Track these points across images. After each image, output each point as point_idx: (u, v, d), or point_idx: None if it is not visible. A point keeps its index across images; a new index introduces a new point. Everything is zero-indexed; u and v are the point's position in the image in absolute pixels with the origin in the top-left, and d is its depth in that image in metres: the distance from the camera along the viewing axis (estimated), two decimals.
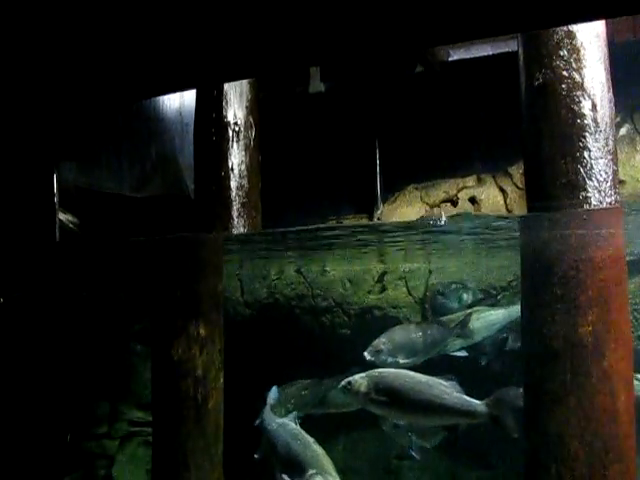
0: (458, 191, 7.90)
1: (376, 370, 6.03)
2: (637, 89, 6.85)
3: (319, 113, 8.03)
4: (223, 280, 6.29)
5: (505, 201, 7.71)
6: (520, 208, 7.56)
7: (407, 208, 8.02)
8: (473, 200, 7.82)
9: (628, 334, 4.91)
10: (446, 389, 5.62)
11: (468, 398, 5.64)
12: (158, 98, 7.31)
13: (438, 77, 7.69)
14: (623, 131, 7.31)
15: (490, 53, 7.39)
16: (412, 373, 5.88)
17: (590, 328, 4.72)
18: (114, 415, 8.13)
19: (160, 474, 6.11)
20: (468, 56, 7.57)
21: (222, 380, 6.09)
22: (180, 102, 7.49)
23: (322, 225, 7.43)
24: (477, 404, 5.57)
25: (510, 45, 6.99)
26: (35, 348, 7.56)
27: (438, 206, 7.95)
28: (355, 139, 8.10)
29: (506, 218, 6.53)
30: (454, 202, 7.90)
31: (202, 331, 5.92)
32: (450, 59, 7.69)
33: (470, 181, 7.90)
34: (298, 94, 7.92)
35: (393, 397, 5.76)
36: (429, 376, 5.77)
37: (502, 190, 7.75)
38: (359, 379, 5.88)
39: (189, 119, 7.17)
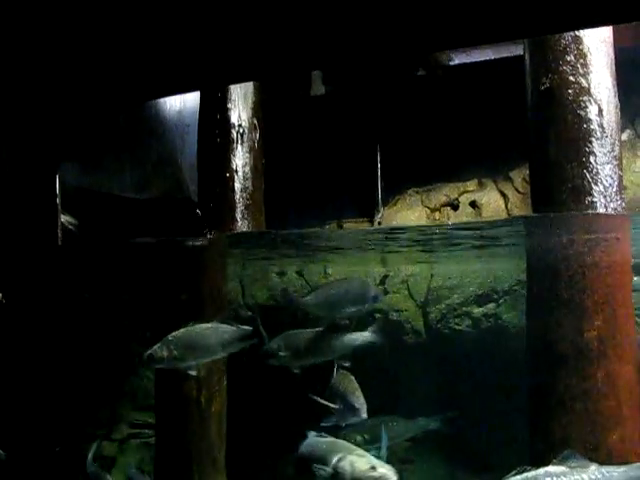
0: (459, 195, 7.91)
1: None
2: (638, 95, 6.86)
3: (321, 116, 8.02)
4: (226, 282, 6.28)
5: (506, 205, 7.72)
6: (521, 212, 7.57)
7: (408, 212, 8.02)
8: (474, 204, 7.83)
9: (634, 338, 4.92)
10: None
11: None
12: (159, 100, 7.29)
13: (440, 81, 7.69)
14: (624, 136, 7.33)
15: (492, 57, 7.39)
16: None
17: (596, 332, 4.74)
18: (114, 417, 8.11)
19: (162, 477, 6.09)
20: (470, 60, 7.57)
21: (225, 383, 6.07)
22: (181, 103, 7.47)
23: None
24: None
25: (512, 50, 6.99)
26: (36, 349, 7.54)
27: (439, 210, 7.95)
28: (356, 142, 8.09)
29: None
30: (455, 206, 7.90)
31: None
32: (452, 63, 7.69)
33: (471, 185, 7.91)
34: (300, 97, 7.92)
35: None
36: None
37: (503, 194, 7.77)
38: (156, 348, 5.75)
39: (190, 120, 7.16)
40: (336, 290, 6.20)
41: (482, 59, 7.44)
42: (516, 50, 6.80)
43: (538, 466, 4.66)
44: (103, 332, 7.96)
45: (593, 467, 4.16)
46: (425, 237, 6.52)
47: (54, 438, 7.48)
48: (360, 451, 4.88)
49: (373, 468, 4.58)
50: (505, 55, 7.16)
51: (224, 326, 5.52)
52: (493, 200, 7.76)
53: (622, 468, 4.19)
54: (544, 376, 4.91)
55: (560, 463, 4.18)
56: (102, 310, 8.00)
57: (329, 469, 4.74)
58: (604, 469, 4.16)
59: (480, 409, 7.24)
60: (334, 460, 4.77)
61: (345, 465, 4.73)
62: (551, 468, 4.21)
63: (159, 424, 6.24)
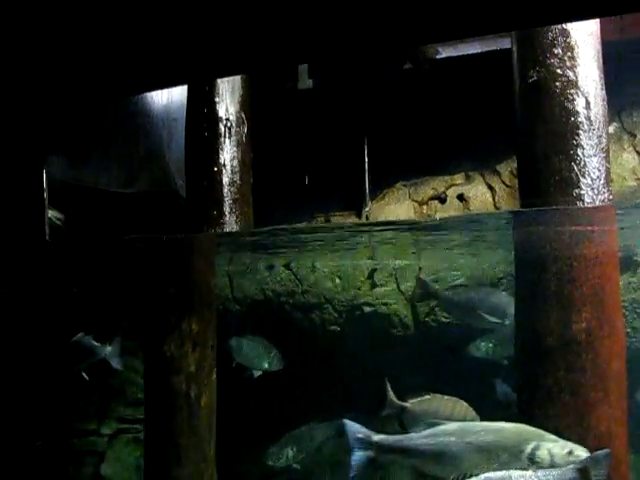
0: (446, 188, 7.92)
1: None
2: (624, 88, 6.89)
3: (308, 110, 8.01)
4: (215, 276, 6.27)
5: (493, 199, 7.73)
6: (508, 206, 7.59)
7: (395, 205, 8.02)
8: (461, 197, 7.84)
9: (621, 331, 4.94)
10: None
11: None
12: (146, 94, 7.27)
13: (427, 74, 7.69)
14: (610, 129, 7.36)
15: (479, 51, 7.40)
16: None
17: (584, 325, 4.75)
18: (103, 412, 8.07)
19: (152, 471, 6.07)
20: (457, 54, 7.57)
21: (215, 377, 6.06)
22: (168, 98, 7.44)
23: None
24: None
25: (499, 43, 7.00)
26: (24, 343, 7.51)
27: (426, 203, 7.96)
28: (344, 136, 8.08)
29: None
30: (442, 199, 7.91)
31: (195, 327, 5.89)
32: (439, 57, 7.69)
33: (458, 179, 7.92)
34: (287, 90, 7.90)
35: None
36: None
37: (490, 188, 7.78)
38: None
39: (177, 115, 7.14)
40: (476, 296, 6.12)
41: (469, 52, 7.45)
42: (503, 43, 6.82)
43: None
44: (91, 327, 7.93)
45: (530, 472, 4.21)
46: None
47: (39, 432, 7.47)
48: (550, 435, 4.54)
49: (571, 452, 4.37)
50: (492, 48, 7.17)
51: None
52: (480, 193, 7.77)
53: (556, 471, 4.22)
54: (533, 368, 4.92)
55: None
56: (90, 305, 7.97)
57: (525, 461, 4.43)
58: (540, 472, 4.20)
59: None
60: (528, 450, 4.45)
61: (543, 454, 4.44)
62: (491, 474, 4.24)
63: (148, 418, 6.21)
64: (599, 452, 4.25)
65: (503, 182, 7.72)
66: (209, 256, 6.45)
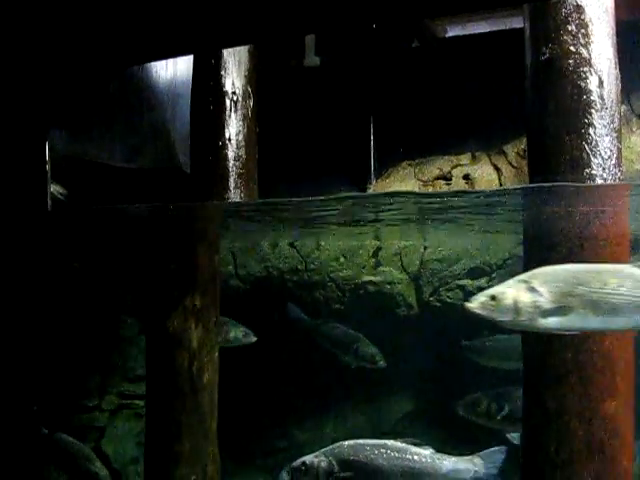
0: (452, 168, 7.87)
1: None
2: (634, 70, 6.80)
3: (314, 87, 7.95)
4: (219, 251, 6.21)
5: (499, 179, 7.68)
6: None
7: (400, 184, 7.97)
8: (467, 177, 7.79)
9: None
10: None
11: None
12: (151, 68, 7.20)
13: (434, 53, 7.63)
14: None
15: (487, 30, 7.34)
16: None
17: None
18: (104, 388, 8.07)
19: (153, 447, 6.04)
20: (465, 33, 7.52)
21: (217, 353, 6.02)
22: (173, 72, 7.38)
23: None
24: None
25: (507, 23, 6.96)
26: (24, 319, 7.48)
27: (432, 183, 7.91)
28: (349, 114, 8.03)
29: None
30: (448, 179, 7.86)
31: (198, 303, 5.85)
32: (447, 35, 7.62)
33: (464, 159, 7.87)
34: (293, 67, 7.84)
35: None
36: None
37: (496, 168, 7.73)
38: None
39: (182, 90, 7.07)
40: None
41: (477, 31, 7.39)
42: (511, 23, 6.77)
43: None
44: (92, 301, 7.91)
45: (428, 451, 4.21)
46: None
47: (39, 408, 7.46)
48: None
49: None
50: (501, 28, 7.11)
51: None
52: (486, 174, 7.72)
53: (453, 459, 4.20)
54: (540, 349, 4.87)
55: (404, 441, 4.55)
56: (91, 279, 7.94)
57: None
58: (437, 456, 4.18)
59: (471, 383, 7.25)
60: None
61: None
62: (389, 442, 4.27)
63: (150, 394, 6.18)
64: (493, 448, 4.28)
65: (509, 163, 7.66)
66: (213, 230, 6.39)
